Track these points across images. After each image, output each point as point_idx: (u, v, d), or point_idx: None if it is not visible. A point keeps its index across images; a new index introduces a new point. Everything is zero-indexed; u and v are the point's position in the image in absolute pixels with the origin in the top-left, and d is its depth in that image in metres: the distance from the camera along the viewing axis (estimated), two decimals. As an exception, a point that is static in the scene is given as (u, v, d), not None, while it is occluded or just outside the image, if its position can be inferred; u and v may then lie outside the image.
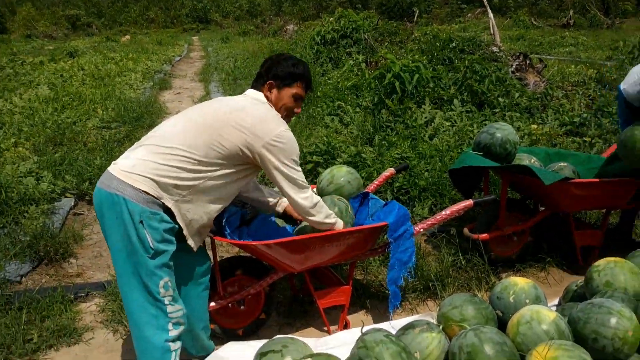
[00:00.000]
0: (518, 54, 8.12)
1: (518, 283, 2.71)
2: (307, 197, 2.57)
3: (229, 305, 2.93)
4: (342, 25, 11.19)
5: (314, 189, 3.35)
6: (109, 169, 2.31)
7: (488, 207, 3.73)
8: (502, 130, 3.73)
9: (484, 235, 3.58)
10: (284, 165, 2.44)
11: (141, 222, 2.20)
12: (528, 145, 5.58)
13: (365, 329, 2.62)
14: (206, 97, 10.14)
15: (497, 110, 6.52)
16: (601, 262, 2.85)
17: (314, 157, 5.02)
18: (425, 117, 6.20)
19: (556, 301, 3.16)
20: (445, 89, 6.91)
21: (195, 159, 2.30)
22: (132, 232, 2.20)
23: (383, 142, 5.49)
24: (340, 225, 2.78)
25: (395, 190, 4.68)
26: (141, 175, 2.23)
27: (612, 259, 2.84)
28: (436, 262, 3.67)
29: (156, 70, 14.00)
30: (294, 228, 3.08)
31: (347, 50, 10.77)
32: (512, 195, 4.35)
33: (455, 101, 6.55)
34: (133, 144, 2.44)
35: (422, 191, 4.65)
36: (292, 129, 2.55)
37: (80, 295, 3.45)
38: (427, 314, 3.04)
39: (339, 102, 7.29)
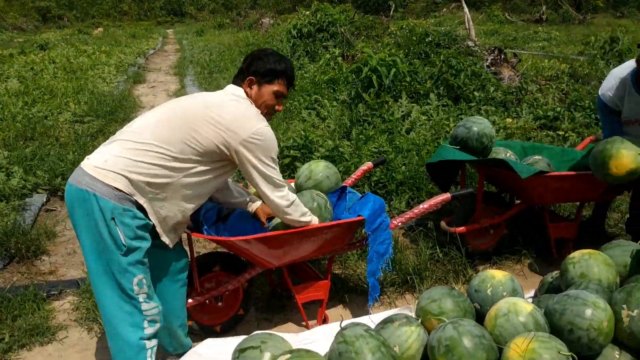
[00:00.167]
0: (493, 48, 8.19)
1: (495, 276, 2.73)
2: (282, 195, 2.53)
3: (207, 301, 2.90)
4: (318, 19, 11.15)
5: (292, 184, 3.33)
6: (81, 164, 2.25)
7: (465, 201, 3.76)
8: (479, 124, 3.75)
9: (461, 229, 3.60)
10: (261, 163, 2.40)
11: (113, 219, 2.15)
12: (503, 138, 5.63)
13: (344, 323, 2.62)
14: (181, 90, 10.02)
15: (472, 104, 6.57)
16: (576, 254, 2.88)
17: (292, 151, 5.00)
18: (402, 111, 6.22)
19: (532, 293, 3.19)
20: (422, 83, 6.94)
21: (170, 156, 2.25)
22: (104, 230, 2.15)
23: (360, 136, 5.49)
24: (315, 222, 2.75)
25: (372, 184, 4.69)
26: (113, 172, 2.18)
27: (587, 251, 2.88)
28: (414, 255, 3.69)
29: (130, 63, 13.78)
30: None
31: (324, 44, 10.74)
32: (488, 188, 4.38)
33: (432, 95, 6.58)
34: (107, 139, 2.39)
35: (399, 185, 4.67)
36: (269, 123, 2.51)
37: (53, 293, 3.38)
38: (406, 307, 3.05)
39: (316, 96, 7.26)
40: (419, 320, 2.58)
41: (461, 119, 6.08)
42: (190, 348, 2.68)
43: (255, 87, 2.51)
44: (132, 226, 2.18)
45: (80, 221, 2.19)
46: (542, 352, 2.12)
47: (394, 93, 6.70)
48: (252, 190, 3.13)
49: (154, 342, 2.36)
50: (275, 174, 2.48)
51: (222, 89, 2.60)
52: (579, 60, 9.98)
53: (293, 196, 2.61)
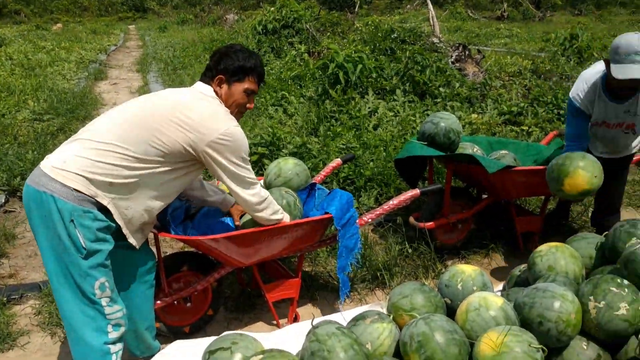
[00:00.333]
0: (457, 44, 8.27)
1: (465, 271, 2.74)
2: (254, 193, 2.48)
3: (175, 302, 2.84)
4: (283, 15, 11.08)
5: (261, 181, 3.29)
6: (40, 164, 2.16)
7: (433, 196, 3.77)
8: (446, 120, 3.76)
9: (430, 224, 3.62)
10: (231, 164, 2.34)
11: (72, 221, 2.07)
12: (469, 134, 5.69)
13: (315, 321, 2.59)
14: (144, 87, 9.83)
15: (438, 100, 6.62)
16: (543, 248, 2.92)
17: (259, 148, 4.95)
18: (369, 108, 6.23)
19: (500, 286, 3.22)
20: (388, 79, 6.96)
21: (132, 156, 2.17)
22: (63, 232, 2.07)
23: (328, 133, 5.47)
24: (287, 220, 2.71)
25: (341, 181, 4.67)
26: (73, 173, 2.09)
27: (554, 244, 2.92)
28: (383, 251, 3.69)
29: (91, 60, 13.46)
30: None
31: (289, 40, 10.69)
32: (455, 183, 4.42)
33: (398, 91, 6.61)
34: (68, 137, 2.31)
35: (367, 181, 4.67)
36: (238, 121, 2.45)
37: (13, 297, 3.26)
38: (377, 303, 3.04)
39: (282, 93, 7.22)
40: (391, 317, 2.57)
41: (427, 115, 6.13)
42: (159, 351, 2.61)
43: (225, 86, 2.44)
44: (92, 228, 2.10)
45: (38, 223, 2.11)
46: (514, 346, 2.14)
47: (361, 89, 6.71)
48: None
49: (119, 346, 2.28)
50: (246, 173, 2.42)
51: (186, 85, 2.53)
52: (541, 56, 10.17)
53: (265, 193, 2.57)
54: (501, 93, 6.90)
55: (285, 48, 10.34)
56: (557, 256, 2.83)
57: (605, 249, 2.94)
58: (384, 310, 2.91)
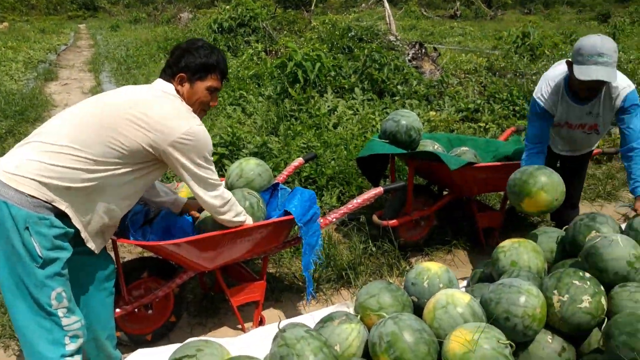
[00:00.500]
0: (414, 42, 8.34)
1: (431, 268, 2.74)
2: (217, 195, 2.41)
3: (136, 310, 2.74)
4: (239, 13, 10.98)
5: (223, 182, 3.21)
6: (-9, 169, 2.04)
7: (396, 194, 3.77)
8: (407, 118, 3.77)
9: (393, 222, 3.61)
10: (194, 164, 2.26)
11: (27, 228, 1.95)
12: (428, 131, 5.73)
13: (282, 324, 2.55)
14: (97, 88, 9.55)
15: (396, 98, 6.65)
16: (506, 243, 2.95)
17: (219, 148, 4.86)
18: (328, 106, 6.21)
19: (465, 283, 3.24)
20: (346, 77, 6.96)
21: (90, 159, 2.07)
22: (17, 240, 1.95)
23: (288, 132, 5.42)
24: (250, 222, 2.65)
25: (302, 180, 4.63)
26: (26, 177, 1.98)
27: (516, 239, 2.96)
28: (347, 250, 3.67)
29: (40, 60, 12.98)
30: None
31: (246, 38, 10.59)
32: (416, 181, 4.43)
33: (357, 89, 6.61)
34: (18, 141, 2.18)
35: (329, 180, 4.64)
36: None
37: (-39, 309, 3.10)
38: (343, 303, 3.02)
39: (240, 92, 7.12)
40: (359, 317, 2.55)
41: (386, 113, 6.16)
42: (120, 361, 2.52)
43: (187, 85, 2.35)
44: (48, 236, 1.99)
45: (-11, 231, 1.98)
46: (482, 343, 2.14)
47: (319, 88, 6.68)
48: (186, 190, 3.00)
49: (77, 358, 2.16)
50: (210, 174, 2.35)
51: (141, 84, 2.43)
52: (494, 54, 10.37)
53: (229, 194, 2.50)
54: (458, 90, 6.99)
55: (241, 47, 10.24)
56: (519, 251, 2.87)
57: (566, 243, 2.99)
58: (351, 310, 2.88)
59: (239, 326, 2.99)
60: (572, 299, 2.38)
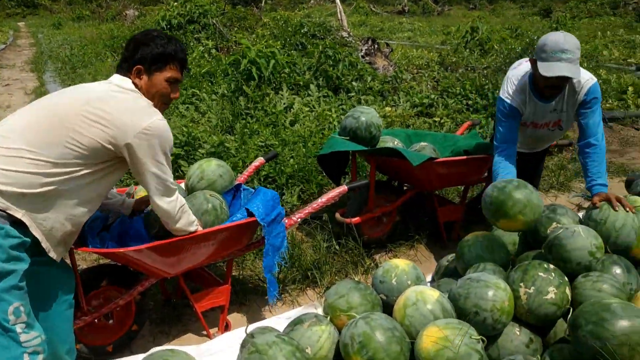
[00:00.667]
0: (367, 38, 8.36)
1: (399, 265, 2.73)
2: (172, 200, 2.31)
3: (96, 320, 2.62)
4: (188, 10, 10.73)
5: (182, 184, 3.12)
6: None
7: (358, 191, 3.75)
8: (367, 114, 3.76)
9: (356, 219, 3.59)
10: (153, 163, 2.17)
11: None
12: (384, 127, 5.74)
13: (250, 328, 2.49)
14: (41, 88, 9.17)
15: (352, 94, 6.64)
16: (470, 237, 2.97)
17: (174, 149, 4.72)
18: (284, 103, 6.14)
19: (429, 277, 3.25)
20: (301, 74, 6.90)
21: (47, 162, 1.95)
22: None
23: (245, 130, 5.33)
24: (200, 229, 2.54)
25: (262, 179, 4.56)
26: None
27: (480, 233, 2.99)
28: (311, 249, 3.63)
29: (-23, 60, 12.42)
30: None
31: (196, 36, 10.36)
32: (377, 177, 4.43)
33: (312, 86, 6.56)
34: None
35: (289, 178, 4.59)
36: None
37: None
38: (310, 304, 2.98)
39: (193, 90, 6.96)
40: (328, 318, 2.51)
41: (342, 109, 6.15)
42: (80, 375, 2.40)
43: (144, 77, 2.24)
44: (4, 247, 1.85)
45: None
46: (455, 339, 2.14)
47: (274, 85, 6.60)
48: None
49: (37, 375, 2.05)
50: (168, 176, 2.26)
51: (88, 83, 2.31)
52: (445, 49, 10.51)
53: (182, 201, 2.40)
54: (412, 86, 7.04)
55: (192, 44, 10.01)
56: (483, 245, 2.89)
57: (528, 235, 3.03)
58: (320, 311, 2.85)
59: (204, 332, 2.90)
60: (538, 291, 2.41)
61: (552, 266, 2.55)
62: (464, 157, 3.63)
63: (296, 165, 4.65)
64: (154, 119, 2.13)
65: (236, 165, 4.49)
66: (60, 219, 2.04)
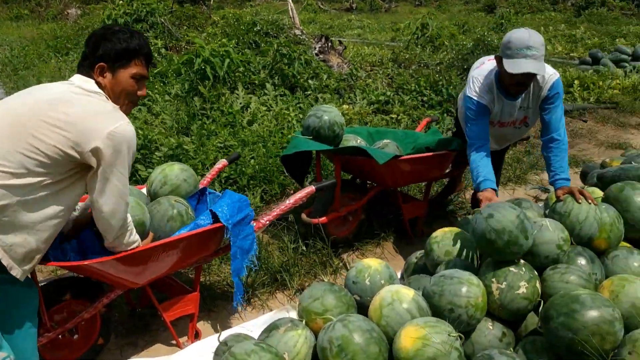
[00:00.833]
0: (320, 36, 8.33)
1: (371, 265, 2.72)
2: (121, 218, 2.17)
3: (60, 336, 2.49)
4: (135, 9, 10.44)
5: (144, 190, 3.02)
6: None
7: (322, 191, 3.73)
8: (329, 113, 3.73)
9: (323, 219, 3.57)
10: (114, 172, 2.03)
11: None
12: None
13: (222, 336, 2.44)
14: (-21, 92, 8.75)
15: (308, 92, 6.61)
16: (438, 233, 2.99)
17: (130, 153, 4.57)
18: (241, 103, 6.05)
19: (398, 275, 3.26)
20: (256, 73, 6.82)
21: (6, 172, 1.84)
22: None
23: (202, 131, 5.22)
24: (140, 244, 2.39)
25: (223, 181, 4.48)
26: None
27: (447, 229, 3.00)
28: (279, 251, 3.58)
29: None
30: None
31: (144, 35, 10.10)
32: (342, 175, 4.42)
33: (268, 85, 6.49)
34: None
35: (250, 179, 4.52)
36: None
37: None
38: (282, 308, 2.94)
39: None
40: (304, 322, 2.47)
41: (300, 108, 6.11)
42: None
43: (108, 75, 2.12)
44: (-38, 265, 1.75)
45: None
46: (433, 337, 2.14)
47: (229, 84, 6.49)
48: None
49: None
50: (125, 188, 2.12)
51: (31, 87, 2.17)
52: (396, 46, 10.61)
53: (130, 218, 2.28)
54: (368, 83, 7.07)
55: (140, 43, 9.74)
56: (452, 241, 2.91)
57: (494, 229, 3.08)
58: (292, 315, 2.81)
59: (174, 342, 2.81)
60: (509, 286, 2.44)
61: (522, 261, 2.59)
62: (428, 154, 3.65)
63: (257, 166, 4.59)
64: (119, 124, 2.02)
65: (196, 168, 4.39)
66: (23, 235, 1.93)
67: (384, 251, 3.83)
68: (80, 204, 2.52)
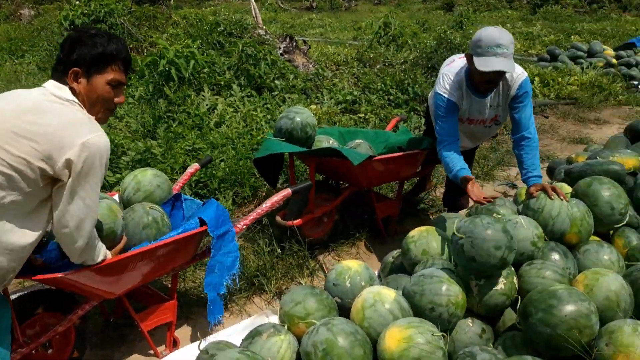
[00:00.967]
0: (285, 36, 8.29)
1: (351, 267, 2.73)
2: (87, 236, 2.04)
3: (33, 351, 2.41)
4: (93, 9, 10.20)
5: (116, 197, 2.94)
6: None
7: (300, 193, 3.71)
8: (301, 114, 3.72)
9: (298, 221, 3.54)
10: (85, 188, 1.93)
11: None
12: (312, 125, 5.72)
13: (203, 344, 2.40)
14: None
15: (275, 93, 6.57)
16: (414, 233, 3.01)
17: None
18: (207, 105, 5.96)
19: (375, 274, 3.26)
20: (222, 74, 6.74)
21: None
22: None
23: (170, 134, 5.13)
24: (109, 256, 2.30)
25: (193, 185, 4.41)
26: None
27: (424, 228, 3.03)
28: (254, 255, 3.54)
29: None
30: None
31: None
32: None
33: (234, 86, 6.42)
34: None
35: (221, 182, 4.47)
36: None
37: None
38: (262, 313, 2.91)
39: (107, 94, 6.61)
40: (286, 327, 2.46)
41: (267, 109, 6.06)
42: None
43: (83, 81, 2.02)
44: None
45: None
46: (417, 338, 2.16)
47: (195, 86, 6.40)
48: None
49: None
50: (94, 204, 2.01)
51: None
52: (360, 45, 10.64)
53: (95, 233, 2.14)
54: (335, 83, 7.06)
55: (99, 45, 9.52)
56: (429, 240, 2.93)
57: (470, 227, 3.12)
58: (270, 319, 2.79)
59: (151, 352, 2.75)
60: (488, 283, 2.48)
61: (499, 257, 2.64)
62: (401, 153, 3.67)
63: (227, 169, 4.53)
64: (95, 135, 1.93)
65: (165, 172, 4.30)
66: None
67: (359, 251, 3.83)
68: None
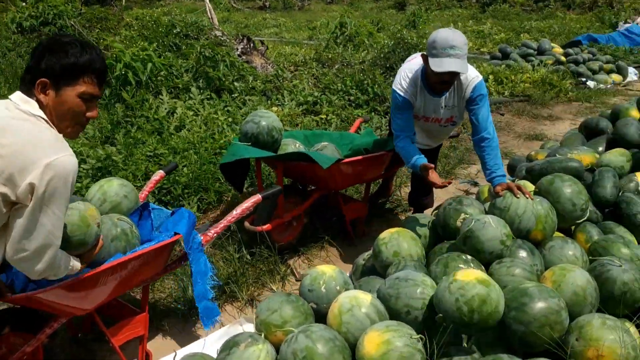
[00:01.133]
0: (242, 37, 8.22)
1: (326, 272, 2.73)
2: (49, 260, 1.90)
3: (0, 374, 2.32)
4: (41, 11, 9.88)
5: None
6: None
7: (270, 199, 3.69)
8: (267, 118, 3.69)
9: (267, 226, 3.52)
10: (48, 213, 1.80)
11: None
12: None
13: (178, 356, 2.36)
14: None
15: (235, 95, 6.50)
16: (385, 235, 3.04)
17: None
18: (166, 108, 5.85)
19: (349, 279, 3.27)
20: (179, 77, 6.63)
21: None
22: None
23: (129, 140, 5.01)
24: (78, 267, 2.16)
25: (156, 192, 4.32)
26: None
27: (394, 229, 3.06)
28: (223, 262, 3.50)
29: None
30: None
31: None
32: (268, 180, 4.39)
33: (193, 89, 6.32)
34: None
35: (185, 188, 4.39)
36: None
37: None
38: (236, 322, 2.87)
39: (60, 99, 6.41)
40: (262, 335, 2.44)
41: (228, 111, 6.00)
42: None
43: (51, 92, 1.87)
44: None
45: None
46: (396, 341, 2.17)
47: (152, 89, 6.27)
48: None
49: None
50: (57, 230, 1.87)
51: None
52: (317, 44, 10.65)
53: (59, 254, 1.98)
54: (295, 84, 7.05)
55: (49, 48, 9.23)
56: (399, 241, 2.97)
57: (438, 227, 3.17)
58: (246, 328, 2.77)
59: (123, 367, 2.69)
60: (461, 282, 2.52)
61: (469, 257, 2.70)
62: (368, 155, 3.69)
63: (191, 174, 4.46)
64: (61, 155, 1.78)
65: (127, 179, 4.18)
66: None
67: (329, 254, 3.84)
68: None
